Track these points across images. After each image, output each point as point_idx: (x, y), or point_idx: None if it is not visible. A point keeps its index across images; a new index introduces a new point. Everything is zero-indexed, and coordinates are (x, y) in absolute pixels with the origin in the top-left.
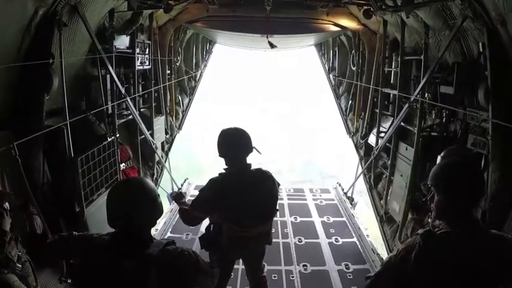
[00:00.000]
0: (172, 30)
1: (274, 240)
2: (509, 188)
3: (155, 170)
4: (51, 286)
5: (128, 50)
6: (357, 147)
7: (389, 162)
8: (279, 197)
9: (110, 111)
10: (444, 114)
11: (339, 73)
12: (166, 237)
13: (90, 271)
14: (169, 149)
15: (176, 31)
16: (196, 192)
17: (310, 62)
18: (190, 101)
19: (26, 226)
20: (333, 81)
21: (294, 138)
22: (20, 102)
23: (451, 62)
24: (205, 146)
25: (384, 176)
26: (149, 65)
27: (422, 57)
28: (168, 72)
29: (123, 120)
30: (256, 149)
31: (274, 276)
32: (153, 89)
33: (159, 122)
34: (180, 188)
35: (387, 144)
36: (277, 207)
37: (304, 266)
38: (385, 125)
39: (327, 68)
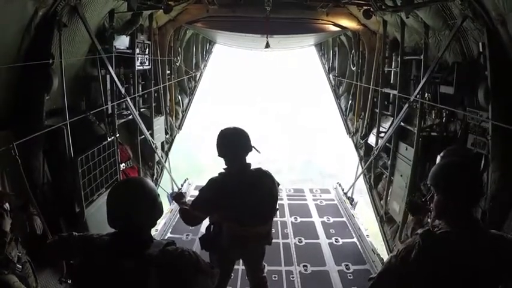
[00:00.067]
0: (172, 30)
1: (274, 240)
2: (509, 188)
3: (155, 170)
4: (51, 287)
5: (128, 51)
6: (357, 147)
7: (389, 162)
8: (279, 197)
9: (109, 111)
10: (444, 114)
11: (339, 73)
12: (166, 237)
13: (90, 271)
14: (169, 149)
15: (176, 31)
16: (196, 193)
17: (310, 62)
18: (190, 101)
19: (26, 227)
20: (332, 81)
21: (293, 138)
22: (20, 102)
23: (451, 62)
24: (205, 146)
25: (384, 176)
26: (149, 65)
27: (422, 57)
28: (168, 72)
29: (123, 120)
30: (255, 148)
31: (275, 277)
32: (153, 89)
33: (159, 122)
34: (180, 188)
35: (387, 144)
36: (277, 207)
37: (304, 266)
38: (385, 125)
39: (327, 68)
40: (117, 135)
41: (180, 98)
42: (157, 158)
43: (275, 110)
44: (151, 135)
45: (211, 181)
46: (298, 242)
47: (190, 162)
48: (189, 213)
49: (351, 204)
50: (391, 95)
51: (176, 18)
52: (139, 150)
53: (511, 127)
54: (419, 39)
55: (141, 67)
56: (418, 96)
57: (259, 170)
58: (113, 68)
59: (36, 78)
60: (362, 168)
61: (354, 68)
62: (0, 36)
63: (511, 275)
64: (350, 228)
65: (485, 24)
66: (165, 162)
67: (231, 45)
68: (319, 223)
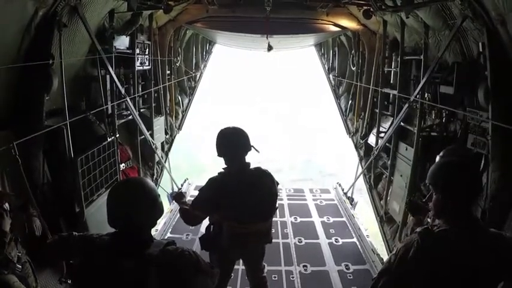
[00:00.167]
0: (172, 30)
1: (274, 240)
2: (509, 188)
3: (155, 170)
4: (51, 287)
5: (128, 51)
6: (357, 147)
7: (389, 162)
8: (278, 197)
9: (109, 111)
10: (444, 114)
11: (339, 73)
12: (166, 237)
13: (90, 271)
14: (169, 149)
15: (176, 31)
16: (196, 193)
17: (310, 62)
18: (190, 101)
19: (25, 227)
20: (332, 82)
21: (294, 138)
22: (20, 102)
23: (450, 62)
24: (205, 146)
25: (384, 176)
26: (149, 65)
27: (422, 57)
28: (168, 72)
29: (123, 121)
30: (254, 148)
31: (274, 277)
32: (152, 89)
33: (159, 122)
34: (180, 188)
35: (387, 144)
36: (277, 206)
37: (304, 266)
38: (385, 125)
39: (327, 68)
40: (117, 135)
41: (180, 98)
42: (157, 158)
43: (275, 110)
44: (151, 135)
45: (211, 181)
46: (298, 242)
47: (190, 162)
48: (189, 213)
49: (351, 204)
50: (391, 95)
51: (176, 18)
52: (139, 151)
53: (511, 127)
54: (419, 39)
55: (141, 67)
56: (418, 96)
57: (258, 169)
58: (112, 68)
59: (36, 79)
60: (362, 168)
61: (353, 68)
62: (0, 36)
63: (511, 274)
64: (350, 228)
65: (485, 24)
66: (165, 162)
67: (231, 46)
68: (319, 223)
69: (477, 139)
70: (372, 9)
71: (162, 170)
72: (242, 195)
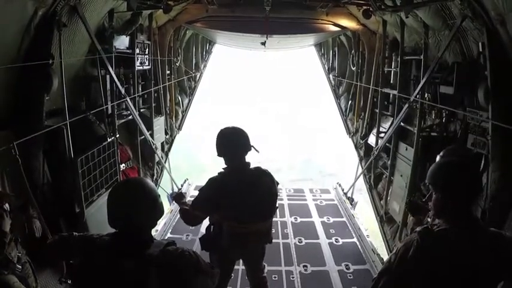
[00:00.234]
0: (171, 30)
1: (274, 240)
2: (509, 188)
3: (155, 171)
4: (51, 287)
5: (128, 51)
6: (357, 148)
7: (389, 162)
8: (278, 197)
9: (109, 111)
10: (444, 114)
11: (339, 73)
12: (166, 237)
13: (90, 271)
14: (169, 149)
15: (176, 31)
16: (196, 193)
17: (310, 62)
18: (190, 101)
19: (25, 228)
20: (332, 82)
21: (293, 138)
22: (20, 102)
23: (450, 62)
24: (205, 146)
25: (384, 176)
26: (149, 65)
27: (422, 57)
28: (168, 72)
29: (123, 121)
30: (254, 147)
31: (275, 277)
32: (152, 89)
33: (159, 123)
34: (180, 189)
35: (387, 144)
36: (277, 205)
37: (304, 266)
38: (385, 125)
39: (327, 68)
40: (117, 135)
41: (180, 98)
42: (157, 159)
43: (275, 110)
44: (151, 135)
45: (211, 180)
46: (298, 242)
47: (190, 162)
48: (189, 213)
49: (351, 204)
50: (391, 95)
51: (176, 18)
52: (139, 151)
53: (511, 127)
54: (419, 39)
55: (140, 67)
56: (418, 96)
57: (258, 169)
58: (112, 68)
59: (36, 79)
60: (362, 168)
61: (353, 68)
62: (0, 36)
63: (511, 273)
64: (350, 228)
65: (484, 24)
66: (165, 162)
67: (231, 45)
68: (319, 223)
69: (477, 139)
70: (371, 9)
71: (162, 170)
72: (242, 194)
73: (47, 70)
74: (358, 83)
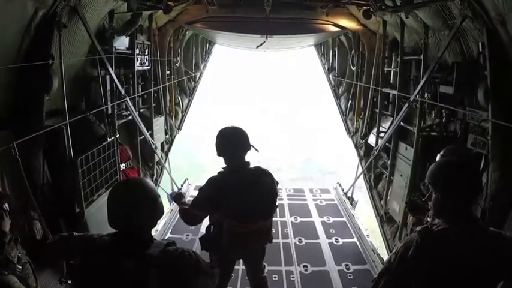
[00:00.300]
0: (171, 31)
1: (274, 240)
2: (509, 187)
3: (155, 171)
4: (51, 287)
5: (128, 51)
6: (357, 147)
7: (389, 162)
8: (278, 197)
9: (109, 111)
10: (444, 114)
11: (339, 73)
12: (166, 237)
13: (90, 272)
14: (169, 149)
15: (176, 32)
16: (196, 193)
17: (310, 62)
18: (190, 101)
19: (26, 231)
20: (332, 82)
21: (293, 138)
22: (20, 102)
23: (450, 62)
24: (205, 146)
25: (384, 176)
26: (149, 65)
27: (421, 57)
28: (168, 72)
29: (122, 121)
30: (253, 147)
31: (275, 277)
32: (152, 89)
33: (159, 123)
34: (180, 189)
35: (387, 144)
36: (277, 205)
37: (304, 266)
38: (385, 125)
39: (327, 68)
40: (117, 135)
41: (179, 98)
42: (157, 159)
43: (275, 110)
44: (151, 135)
45: (211, 180)
46: (298, 242)
47: (190, 162)
48: (189, 213)
49: (351, 204)
50: (390, 95)
51: (176, 18)
52: (139, 151)
53: (510, 125)
54: (419, 39)
55: (140, 68)
56: (417, 96)
57: (258, 168)
58: (112, 69)
59: (36, 79)
60: (362, 168)
61: (353, 68)
62: (0, 36)
63: (511, 273)
64: (350, 228)
65: (484, 24)
66: (165, 162)
67: (231, 46)
68: (319, 223)
69: (477, 139)
70: (371, 9)
71: (162, 170)
72: (242, 194)
73: (47, 70)
74: (358, 83)
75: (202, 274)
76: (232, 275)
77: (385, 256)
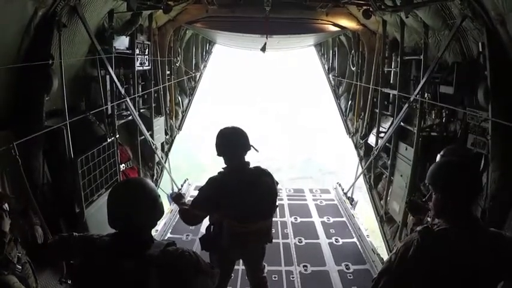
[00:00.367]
0: (171, 30)
1: (274, 240)
2: (509, 187)
3: (155, 171)
4: (51, 287)
5: (128, 51)
6: (357, 147)
7: (389, 162)
8: (278, 197)
9: (109, 111)
10: (444, 114)
11: (339, 73)
12: (166, 238)
13: (90, 272)
14: (169, 149)
15: (176, 32)
16: (196, 193)
17: (310, 62)
18: (190, 101)
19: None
20: (332, 82)
21: (293, 138)
22: (20, 102)
23: (450, 62)
24: (205, 146)
25: (384, 176)
26: (149, 65)
27: (421, 57)
28: (168, 72)
29: (123, 121)
30: (253, 147)
31: (275, 277)
32: (152, 89)
33: (159, 123)
34: (180, 189)
35: (387, 144)
36: (277, 205)
37: (304, 266)
38: (385, 125)
39: (327, 68)
40: (117, 135)
41: (180, 98)
42: (157, 159)
43: (275, 110)
44: (151, 135)
45: (211, 180)
46: (298, 242)
47: (190, 162)
48: (189, 213)
49: (351, 204)
50: (390, 95)
51: (176, 18)
52: (139, 151)
53: (510, 125)
54: (419, 39)
55: (140, 67)
56: (418, 96)
57: (258, 168)
58: (112, 69)
59: (36, 79)
60: (362, 168)
61: (353, 68)
62: (0, 36)
63: (511, 273)
64: (350, 228)
65: (484, 24)
66: (165, 162)
67: (231, 46)
68: (319, 223)
69: (477, 139)
70: (371, 9)
71: (162, 171)
72: (242, 194)
73: (47, 70)
74: (358, 83)
75: (202, 274)
76: (232, 275)
77: (385, 256)
